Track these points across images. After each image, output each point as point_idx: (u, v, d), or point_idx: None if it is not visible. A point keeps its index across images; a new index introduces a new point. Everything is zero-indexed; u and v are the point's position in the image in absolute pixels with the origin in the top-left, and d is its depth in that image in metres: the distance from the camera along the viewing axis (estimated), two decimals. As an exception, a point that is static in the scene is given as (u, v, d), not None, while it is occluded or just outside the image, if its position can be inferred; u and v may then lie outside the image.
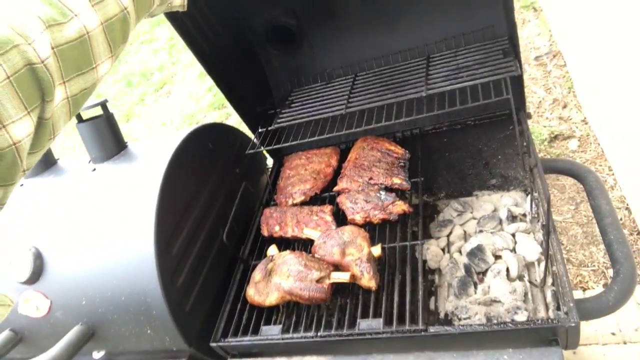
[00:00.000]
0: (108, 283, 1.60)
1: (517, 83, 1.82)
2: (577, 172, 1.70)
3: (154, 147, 1.90)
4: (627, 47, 2.95)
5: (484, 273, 1.67)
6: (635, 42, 2.78)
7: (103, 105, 1.85)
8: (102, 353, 1.69)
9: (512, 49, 1.79)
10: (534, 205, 1.73)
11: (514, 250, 1.68)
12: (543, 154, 3.32)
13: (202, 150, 1.92)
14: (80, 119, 1.84)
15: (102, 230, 1.64)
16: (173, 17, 1.74)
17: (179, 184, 1.72)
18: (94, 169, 1.84)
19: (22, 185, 1.95)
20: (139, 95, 6.83)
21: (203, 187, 1.85)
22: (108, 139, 1.86)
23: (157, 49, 7.68)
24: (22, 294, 1.69)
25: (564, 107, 3.70)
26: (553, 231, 1.43)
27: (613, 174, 2.99)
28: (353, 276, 1.52)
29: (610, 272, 2.57)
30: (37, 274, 1.68)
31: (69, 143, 6.14)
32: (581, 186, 1.85)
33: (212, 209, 1.86)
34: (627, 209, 2.78)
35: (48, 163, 2.01)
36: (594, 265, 2.63)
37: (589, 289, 2.53)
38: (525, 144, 1.80)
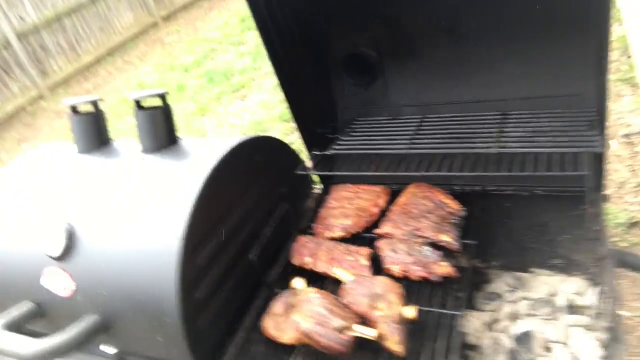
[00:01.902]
0: (130, 278, 1.55)
1: (598, 161, 1.63)
2: (657, 275, 1.48)
3: (203, 148, 1.86)
4: None
5: (527, 364, 1.47)
6: None
7: (162, 96, 1.83)
8: (114, 350, 1.64)
9: (599, 122, 1.61)
10: (597, 300, 1.51)
11: (567, 346, 1.47)
12: (618, 239, 3.00)
13: (249, 162, 1.85)
14: (139, 106, 1.84)
15: (134, 222, 1.60)
16: (259, 18, 1.73)
17: (218, 192, 1.65)
18: (142, 159, 1.83)
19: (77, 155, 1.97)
20: (217, 93, 7.03)
21: (242, 200, 1.78)
22: (161, 131, 1.84)
23: (243, 53, 7.94)
24: (48, 267, 1.68)
25: (649, 193, 3.36)
26: (619, 339, 1.22)
27: (695, 280, 2.64)
28: (380, 335, 1.37)
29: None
30: (67, 252, 1.67)
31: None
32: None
33: (247, 224, 1.78)
34: None
35: (102, 142, 2.02)
36: (658, 379, 2.30)
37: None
38: (595, 228, 1.60)
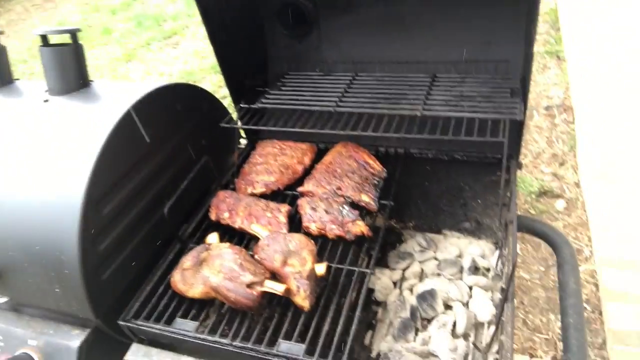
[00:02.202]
0: (26, 226, 1.44)
1: (517, 128, 1.68)
2: (554, 240, 1.58)
3: (117, 92, 1.73)
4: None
5: (429, 320, 1.54)
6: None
7: (73, 33, 1.66)
8: (4, 299, 1.54)
9: (521, 91, 1.66)
10: (500, 263, 1.60)
11: (467, 304, 1.55)
12: (528, 207, 3.20)
13: (168, 110, 1.74)
14: (45, 42, 1.66)
15: (33, 167, 1.46)
16: None
17: (130, 139, 1.55)
18: (47, 100, 1.66)
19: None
20: (146, 38, 6.63)
21: (158, 150, 1.68)
22: (70, 71, 1.69)
23: (176, -4, 7.47)
24: None
25: (561, 164, 3.59)
26: (511, 299, 1.29)
27: (591, 246, 2.88)
28: (288, 290, 1.37)
29: (562, 345, 2.46)
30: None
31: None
32: (557, 250, 1.74)
33: (162, 176, 1.69)
34: (595, 285, 2.67)
35: (3, 80, 1.83)
36: (548, 334, 2.52)
37: (536, 357, 2.42)
38: (508, 194, 1.67)
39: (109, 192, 1.48)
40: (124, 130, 1.52)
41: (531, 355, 2.43)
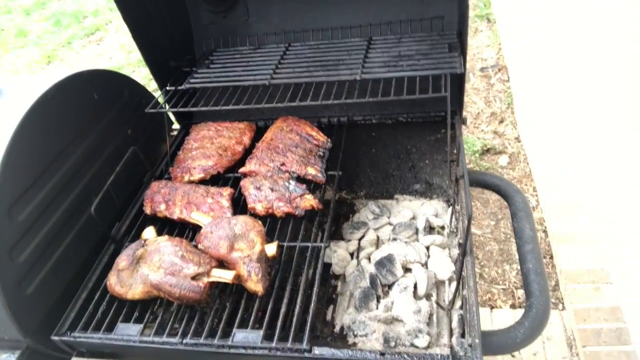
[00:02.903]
0: None
1: (458, 83, 1.65)
2: (506, 190, 1.56)
3: (21, 85, 1.54)
4: (570, 78, 2.94)
5: (390, 286, 1.49)
6: (577, 76, 2.77)
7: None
8: None
9: (459, 45, 1.61)
10: (454, 219, 1.57)
11: (425, 265, 1.51)
12: (472, 166, 3.24)
13: (83, 100, 1.58)
14: None
15: None
16: None
17: (42, 135, 1.39)
18: (-64, 101, 1.45)
19: None
20: (66, 37, 6.25)
21: (77, 145, 1.52)
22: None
23: (96, -9, 7.05)
24: None
25: (501, 122, 3.66)
26: (469, 252, 1.26)
27: (536, 195, 2.96)
28: (238, 276, 1.27)
29: (519, 293, 2.52)
30: None
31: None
32: (505, 203, 1.73)
33: (86, 172, 1.54)
34: (544, 231, 2.74)
35: None
36: (505, 284, 2.57)
37: (496, 308, 2.46)
38: (455, 151, 1.63)
39: (23, 196, 1.32)
40: (33, 126, 1.35)
41: (492, 307, 2.46)
